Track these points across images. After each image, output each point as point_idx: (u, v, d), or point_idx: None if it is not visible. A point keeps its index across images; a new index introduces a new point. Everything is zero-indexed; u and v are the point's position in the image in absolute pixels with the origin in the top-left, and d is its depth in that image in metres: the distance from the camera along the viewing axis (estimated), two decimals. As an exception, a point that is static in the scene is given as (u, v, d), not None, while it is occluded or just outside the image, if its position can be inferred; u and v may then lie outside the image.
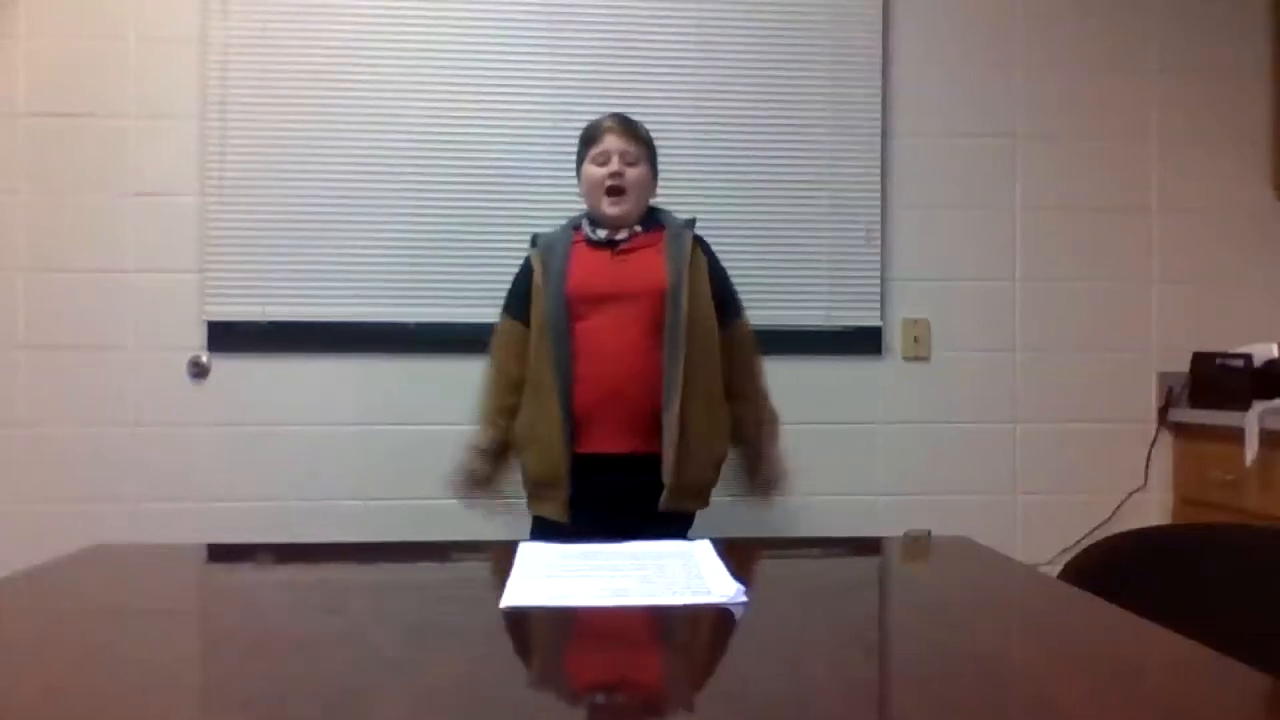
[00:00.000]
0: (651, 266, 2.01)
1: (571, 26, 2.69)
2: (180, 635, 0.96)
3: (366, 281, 2.64)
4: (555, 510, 2.00)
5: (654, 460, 1.97)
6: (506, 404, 2.07)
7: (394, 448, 2.63)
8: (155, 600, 1.08)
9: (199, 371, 2.62)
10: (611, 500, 1.96)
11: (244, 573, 1.30)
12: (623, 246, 2.05)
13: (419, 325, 2.63)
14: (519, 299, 2.09)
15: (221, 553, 1.46)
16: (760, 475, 2.13)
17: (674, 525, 1.96)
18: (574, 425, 1.98)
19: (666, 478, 1.96)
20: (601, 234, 2.06)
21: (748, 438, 2.12)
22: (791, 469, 2.13)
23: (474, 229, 2.64)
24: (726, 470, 2.13)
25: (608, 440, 1.99)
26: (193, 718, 0.73)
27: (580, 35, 2.69)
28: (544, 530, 2.01)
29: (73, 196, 2.60)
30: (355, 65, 2.64)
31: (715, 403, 2.06)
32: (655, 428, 1.97)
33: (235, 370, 2.62)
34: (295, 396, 2.63)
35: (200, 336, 2.62)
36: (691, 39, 2.71)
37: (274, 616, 1.01)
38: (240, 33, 2.62)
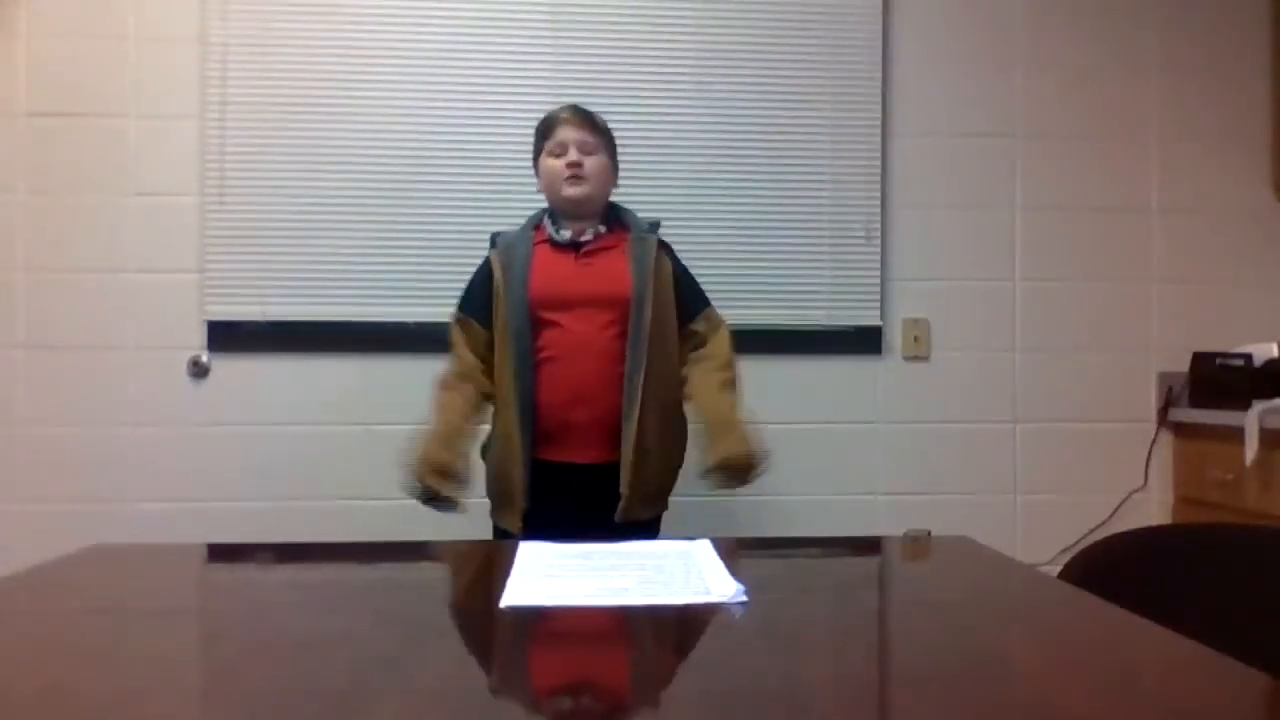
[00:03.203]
0: (617, 271, 1.96)
1: (571, 26, 2.69)
2: (180, 635, 0.96)
3: (366, 281, 2.64)
4: (511, 522, 1.94)
5: (615, 469, 1.92)
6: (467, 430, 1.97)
7: (394, 448, 2.62)
8: (155, 600, 1.08)
9: (199, 371, 2.62)
10: (572, 511, 1.91)
11: (244, 573, 1.30)
12: (587, 249, 1.99)
13: (419, 325, 2.63)
14: (478, 299, 2.02)
15: (221, 553, 1.46)
16: (731, 448, 1.90)
17: (637, 534, 1.91)
18: (535, 434, 1.93)
19: (623, 488, 1.90)
20: (565, 235, 2.00)
21: (708, 390, 1.97)
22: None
23: (474, 228, 2.63)
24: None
25: (570, 450, 1.94)
26: (193, 718, 0.73)
27: (580, 35, 2.69)
28: (503, 540, 1.95)
29: (73, 196, 2.60)
30: (356, 65, 2.64)
31: (673, 411, 2.02)
32: (617, 437, 1.92)
33: (235, 370, 2.62)
34: (295, 396, 2.63)
35: (200, 336, 2.62)
36: (691, 39, 2.71)
37: (274, 616, 1.01)
38: (240, 33, 2.62)
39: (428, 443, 1.92)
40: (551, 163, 2.01)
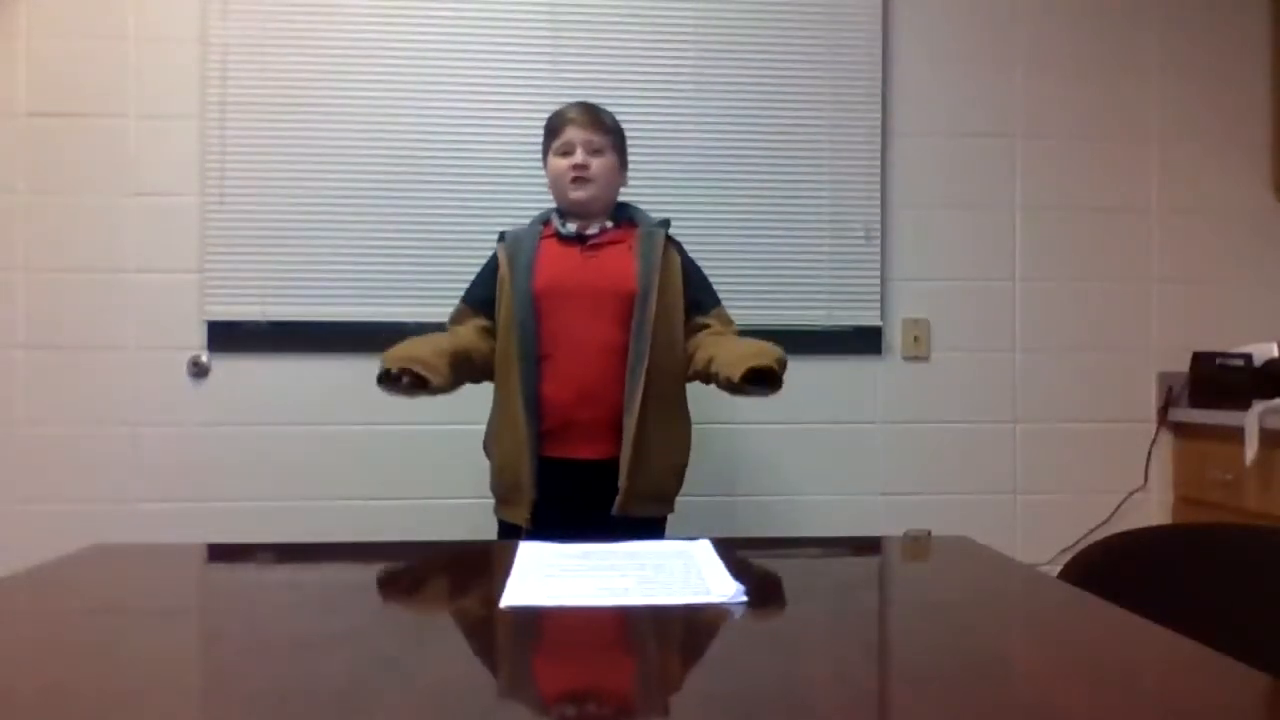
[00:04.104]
0: (622, 265, 1.96)
1: (571, 26, 2.69)
2: (180, 635, 0.96)
3: (366, 281, 2.64)
4: (519, 515, 1.93)
5: (619, 465, 1.91)
6: (447, 349, 1.91)
7: (394, 448, 2.64)
8: (155, 600, 1.08)
9: (199, 371, 2.62)
10: (577, 506, 1.90)
11: (244, 573, 1.30)
12: (592, 242, 1.99)
13: (419, 325, 2.62)
14: (482, 291, 2.02)
15: (221, 553, 1.46)
16: (754, 350, 1.83)
17: (642, 532, 1.90)
18: (540, 427, 1.92)
19: (622, 480, 1.89)
20: (571, 228, 2.00)
21: (716, 334, 1.97)
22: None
23: (475, 228, 2.64)
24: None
25: (575, 445, 1.93)
26: (193, 718, 0.73)
27: (579, 35, 2.69)
28: (509, 536, 1.95)
29: (73, 196, 2.60)
30: (356, 65, 2.64)
31: (677, 408, 2.01)
32: (621, 432, 1.91)
33: (235, 370, 2.62)
34: (295, 396, 2.63)
35: (200, 336, 2.62)
36: (690, 39, 2.71)
37: (274, 616, 1.01)
38: (240, 33, 2.62)
39: (409, 342, 1.89)
40: (558, 163, 2.00)
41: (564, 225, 2.02)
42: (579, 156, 1.98)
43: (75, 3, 2.61)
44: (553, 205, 2.09)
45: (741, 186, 2.72)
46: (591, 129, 2.00)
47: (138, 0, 2.62)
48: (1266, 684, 0.77)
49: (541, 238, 2.01)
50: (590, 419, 1.93)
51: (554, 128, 2.04)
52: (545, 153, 2.06)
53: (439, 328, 2.64)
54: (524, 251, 1.98)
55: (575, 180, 1.98)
